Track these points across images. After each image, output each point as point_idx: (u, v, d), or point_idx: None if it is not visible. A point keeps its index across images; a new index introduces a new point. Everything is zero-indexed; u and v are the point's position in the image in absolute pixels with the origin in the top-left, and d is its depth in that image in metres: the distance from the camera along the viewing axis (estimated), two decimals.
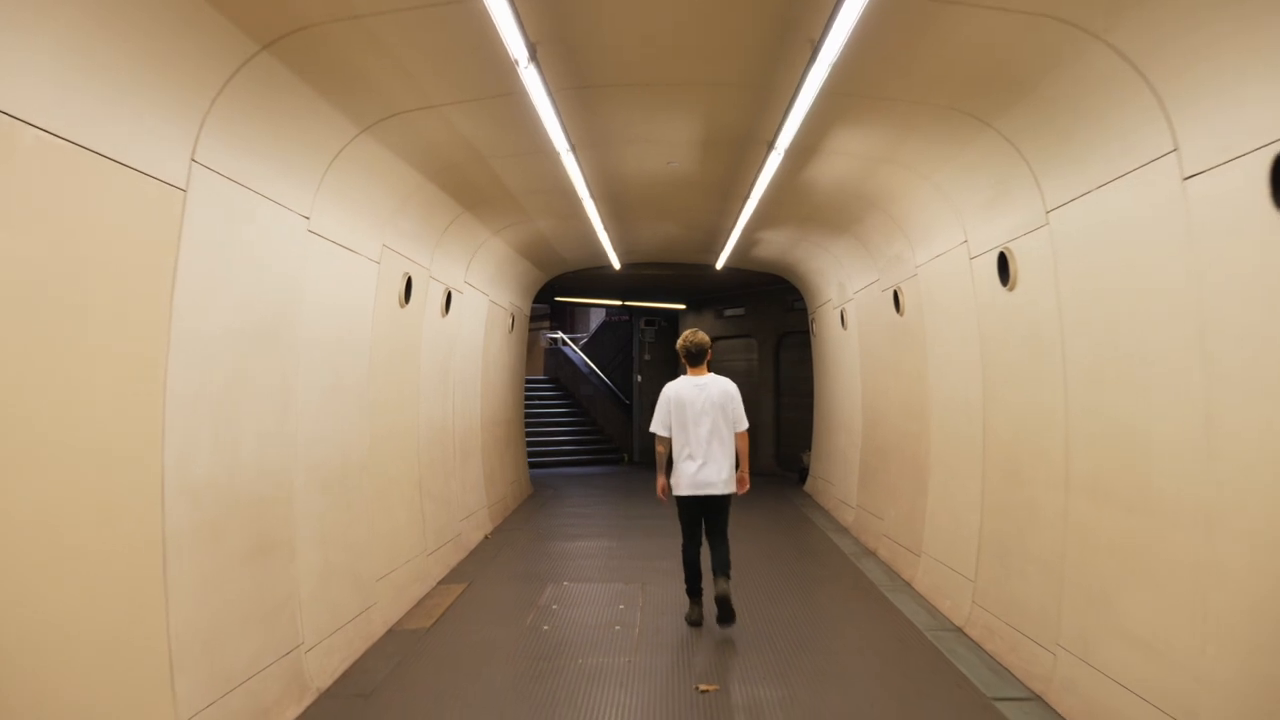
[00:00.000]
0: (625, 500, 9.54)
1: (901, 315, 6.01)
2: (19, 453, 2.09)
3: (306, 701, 3.49)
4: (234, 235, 3.06)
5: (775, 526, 7.77)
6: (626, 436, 14.02)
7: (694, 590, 4.66)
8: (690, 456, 4.44)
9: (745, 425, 4.60)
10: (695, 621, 4.59)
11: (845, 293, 7.65)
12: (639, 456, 13.43)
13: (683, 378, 4.66)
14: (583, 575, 5.84)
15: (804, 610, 4.99)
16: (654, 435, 4.62)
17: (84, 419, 2.32)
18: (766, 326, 12.01)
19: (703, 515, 4.54)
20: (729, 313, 12.62)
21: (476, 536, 6.86)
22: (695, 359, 4.66)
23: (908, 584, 5.50)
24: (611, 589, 5.41)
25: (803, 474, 10.20)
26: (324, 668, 3.74)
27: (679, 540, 4.71)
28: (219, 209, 2.92)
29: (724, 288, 11.78)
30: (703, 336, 4.71)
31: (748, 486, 4.58)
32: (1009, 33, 2.92)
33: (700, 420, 4.46)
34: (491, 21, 2.75)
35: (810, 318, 9.61)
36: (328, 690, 3.66)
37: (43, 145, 2.09)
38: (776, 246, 8.03)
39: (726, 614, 4.29)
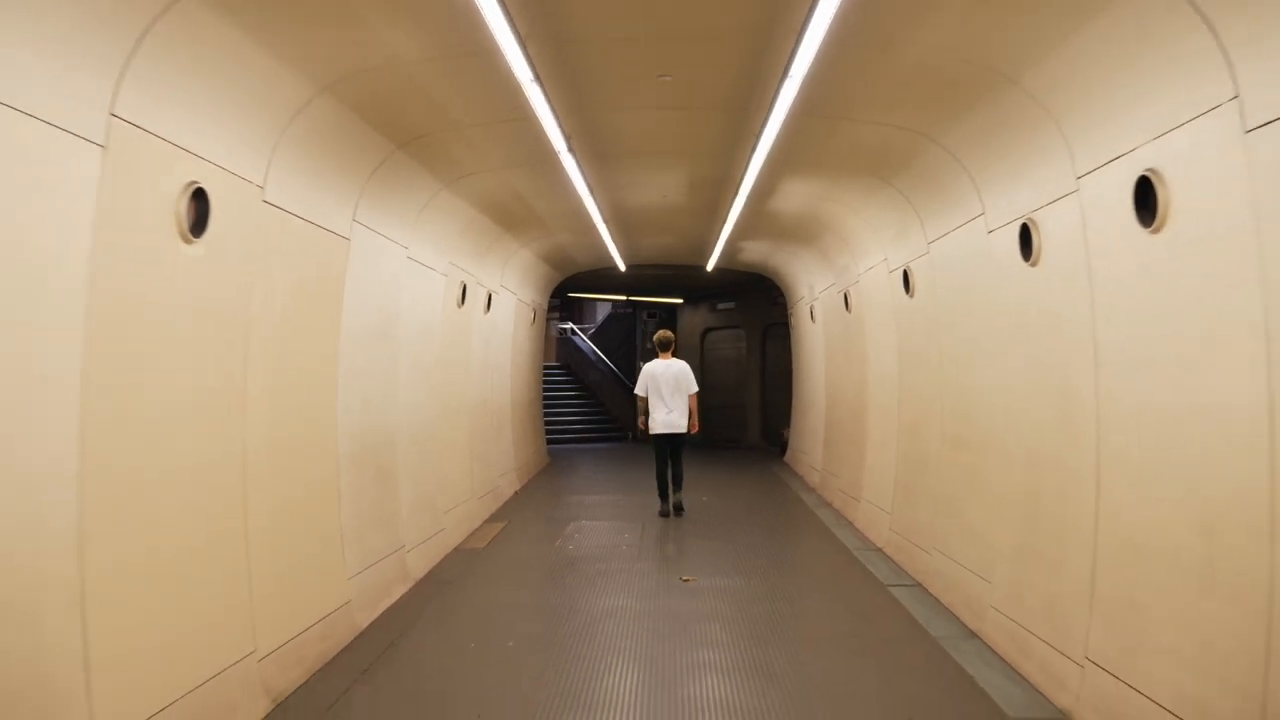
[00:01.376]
0: (628, 468, 11.08)
1: (850, 313, 7.52)
2: (287, 408, 3.64)
3: (409, 585, 5.06)
4: (369, 267, 4.59)
5: (756, 488, 9.33)
6: (630, 416, 15.55)
7: (663, 495, 7.37)
8: (663, 408, 7.18)
9: (695, 389, 7.30)
10: (664, 514, 7.26)
11: (814, 292, 9.15)
12: (641, 434, 14.96)
13: (656, 360, 7.38)
14: (595, 517, 7.40)
15: (767, 541, 6.56)
16: (637, 395, 7.28)
17: (309, 386, 3.88)
18: (753, 319, 13.53)
19: (669, 445, 7.24)
20: (721, 306, 14.14)
21: (509, 491, 8.44)
22: (664, 348, 7.42)
23: (850, 523, 7.06)
24: (618, 525, 6.97)
25: (783, 447, 11.74)
26: (417, 566, 5.31)
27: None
28: (365, 250, 4.46)
29: (717, 284, 13.27)
30: (668, 334, 7.50)
31: (698, 429, 7.35)
32: (885, 136, 4.42)
33: (666, 385, 7.18)
34: (544, 130, 4.26)
35: (789, 312, 11.11)
36: (421, 579, 5.23)
37: (308, 228, 3.62)
38: (758, 253, 9.52)
39: (679, 510, 7.28)
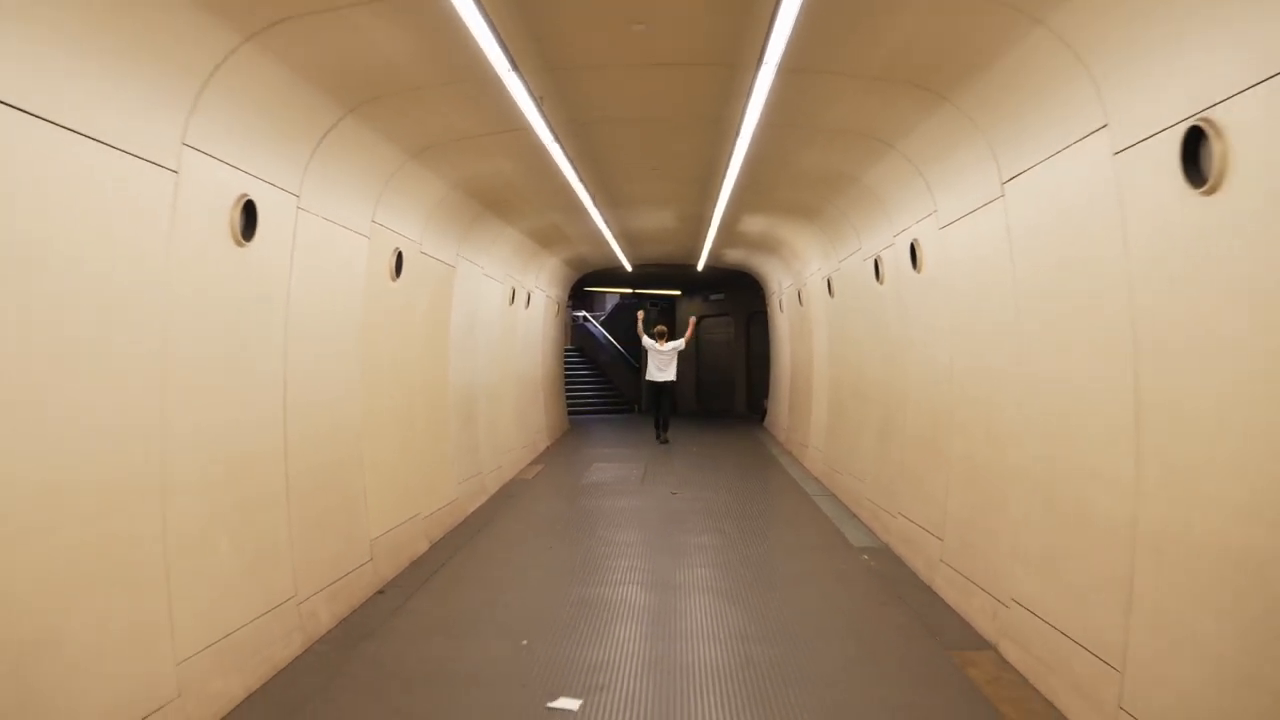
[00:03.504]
0: (634, 433, 13.48)
1: (802, 305, 9.88)
2: (428, 373, 6.05)
3: (486, 497, 7.50)
4: (464, 283, 6.97)
5: (736, 444, 11.74)
6: (635, 391, 17.93)
7: (658, 427, 11.36)
8: (658, 368, 11.09)
9: (682, 346, 11.22)
10: (662, 441, 11.02)
11: (781, 288, 11.49)
12: (645, 406, 17.37)
13: (655, 341, 11.04)
14: (609, 461, 9.82)
15: (737, 475, 8.99)
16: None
17: (437, 359, 6.29)
18: (740, 307, 15.88)
19: (661, 389, 11.11)
20: (713, 297, 16.49)
21: (542, 445, 10.88)
22: (660, 337, 11.32)
23: (800, 463, 9.48)
24: (626, 466, 9.39)
25: (763, 414, 14.14)
26: (489, 486, 7.75)
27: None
28: (463, 273, 6.85)
29: (709, 279, 15.56)
30: (663, 327, 10.70)
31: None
32: (801, 197, 6.74)
33: (662, 358, 11.22)
34: (577, 194, 6.61)
35: (767, 302, 13.45)
36: (493, 494, 7.67)
37: (436, 263, 6.01)
38: (738, 257, 11.85)
39: (665, 442, 10.81)
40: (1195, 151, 2.37)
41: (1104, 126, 2.83)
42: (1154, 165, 2.56)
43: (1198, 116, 2.32)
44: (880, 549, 5.59)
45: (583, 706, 3.20)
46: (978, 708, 3.17)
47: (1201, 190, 2.33)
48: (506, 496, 7.68)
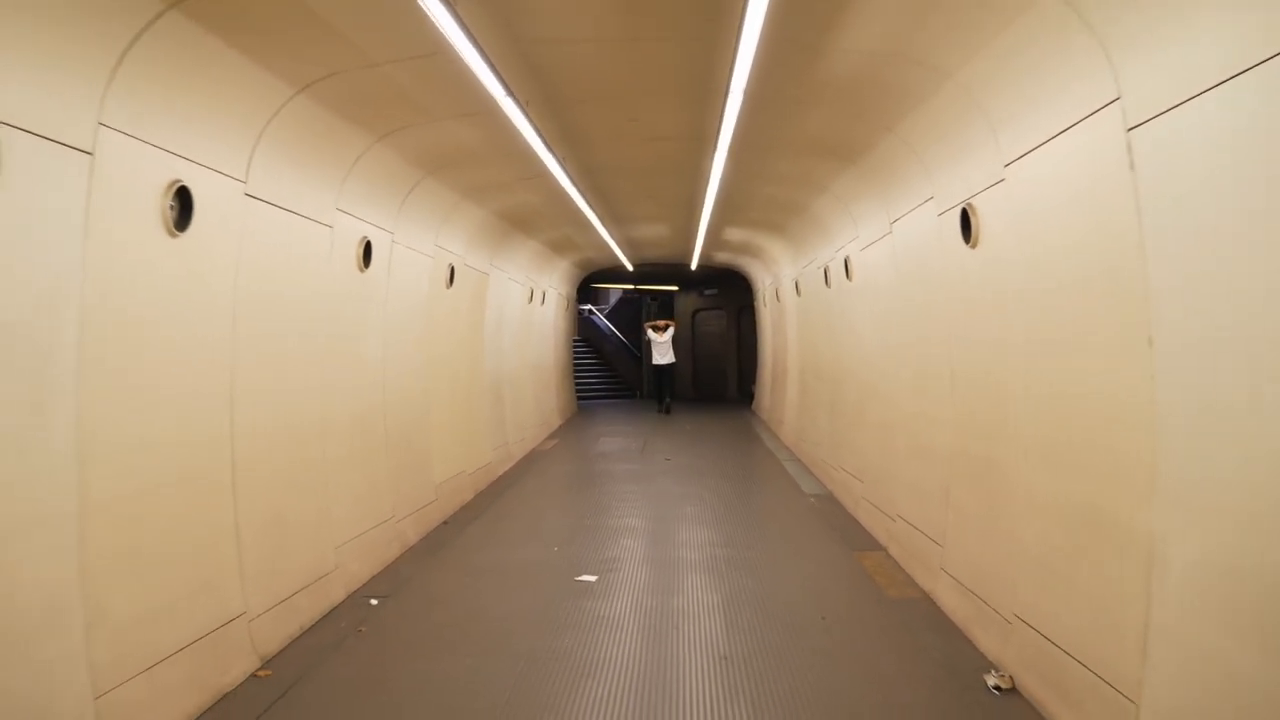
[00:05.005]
0: (636, 415, 15.11)
1: (780, 302, 11.44)
2: (470, 360, 7.65)
3: (513, 463, 9.10)
4: (495, 287, 8.54)
5: (725, 423, 13.34)
6: (637, 378, 19.55)
7: (659, 399, 14.20)
8: (660, 355, 13.55)
9: (673, 331, 13.52)
10: (665, 410, 13.86)
11: (764, 286, 13.04)
12: (646, 392, 18.97)
13: (655, 333, 12.12)
14: (613, 436, 11.42)
15: (722, 447, 10.59)
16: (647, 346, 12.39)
17: (475, 350, 7.89)
18: (732, 301, 17.43)
19: (662, 370, 13.56)
20: (707, 292, 18.04)
21: (555, 424, 12.49)
22: (659, 330, 12.98)
23: (777, 437, 11.07)
24: (628, 441, 10.99)
25: (751, 399, 15.72)
26: (515, 454, 9.36)
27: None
28: (494, 278, 8.42)
29: (704, 276, 17.10)
30: (662, 322, 12.42)
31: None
32: (768, 217, 8.28)
33: (662, 347, 13.37)
34: (585, 214, 8.17)
35: (754, 297, 15.00)
36: (519, 460, 9.29)
37: (474, 272, 7.59)
38: (726, 257, 13.39)
39: (668, 411, 13.61)
40: None
41: (931, 199, 4.38)
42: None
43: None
44: (825, 495, 7.18)
45: (599, 579, 4.80)
46: (860, 579, 4.76)
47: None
48: (529, 462, 9.28)
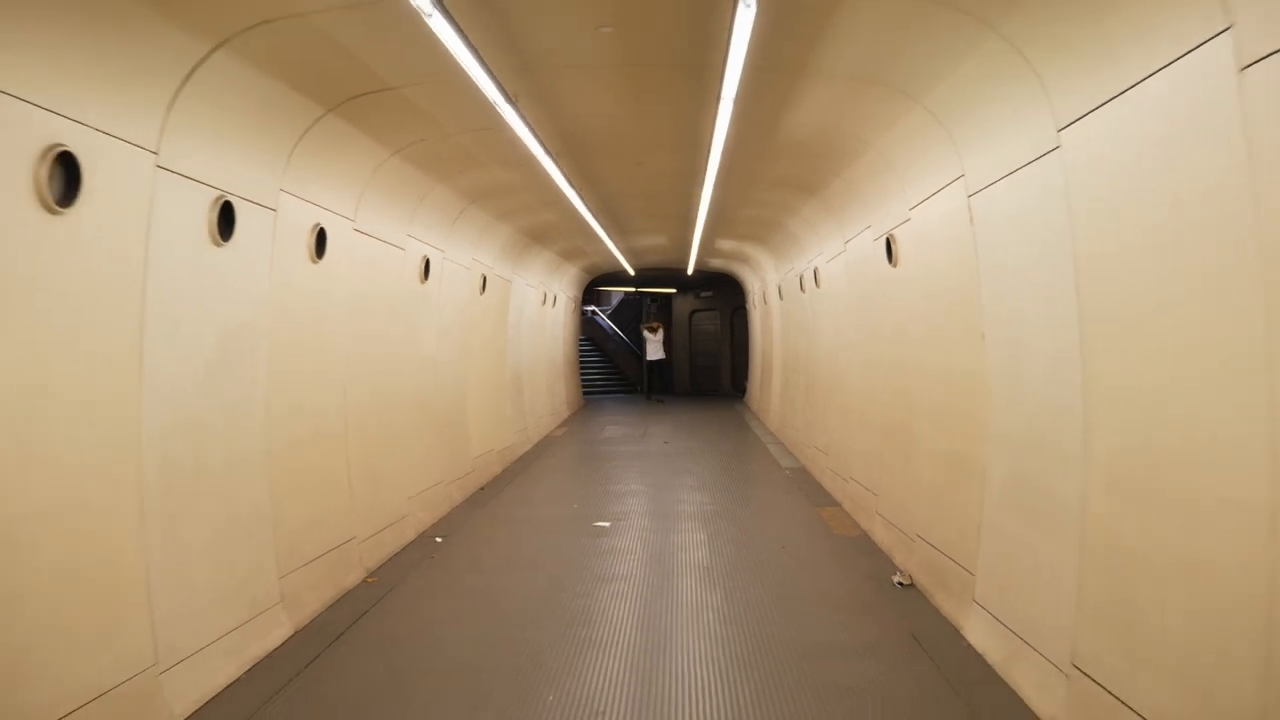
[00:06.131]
0: (637, 408, 16.40)
1: (766, 304, 12.73)
2: (495, 355, 8.95)
3: (532, 444, 10.40)
4: (516, 293, 9.83)
5: (719, 414, 14.64)
6: (638, 374, 20.84)
7: (651, 389, 14.90)
8: (653, 351, 14.58)
9: (662, 334, 14.67)
10: (657, 400, 15.07)
11: (754, 289, 14.33)
12: (646, 388, 20.26)
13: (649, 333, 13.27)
14: (617, 424, 12.72)
15: (717, 435, 11.89)
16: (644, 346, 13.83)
17: (498, 348, 9.19)
18: (726, 303, 18.72)
19: (653, 368, 15.08)
20: (703, 294, 19.34)
21: (565, 414, 13.79)
22: (653, 331, 14.12)
23: (763, 424, 12.37)
24: (630, 428, 12.29)
25: (743, 392, 17.02)
26: (532, 437, 10.66)
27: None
28: (515, 286, 9.72)
29: (700, 279, 18.39)
30: (656, 324, 13.78)
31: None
32: (753, 232, 9.57)
33: (655, 345, 14.78)
34: (594, 228, 9.46)
35: (745, 300, 16.30)
36: (536, 442, 10.59)
37: (501, 280, 8.89)
38: (720, 263, 14.69)
39: (661, 400, 14.14)
40: None
41: (869, 227, 5.67)
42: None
43: None
44: (799, 468, 8.48)
45: (611, 525, 6.09)
46: (817, 524, 6.05)
47: None
48: (544, 445, 10.58)
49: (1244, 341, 2.02)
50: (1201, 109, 2.12)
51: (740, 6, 2.71)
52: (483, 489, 7.59)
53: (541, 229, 9.05)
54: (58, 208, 2.56)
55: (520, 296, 10.13)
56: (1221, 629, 2.11)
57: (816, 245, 7.76)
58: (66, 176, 2.62)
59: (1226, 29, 2.00)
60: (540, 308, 11.78)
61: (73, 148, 2.60)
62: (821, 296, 7.96)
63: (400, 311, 5.83)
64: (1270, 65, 1.89)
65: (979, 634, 3.64)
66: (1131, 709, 2.47)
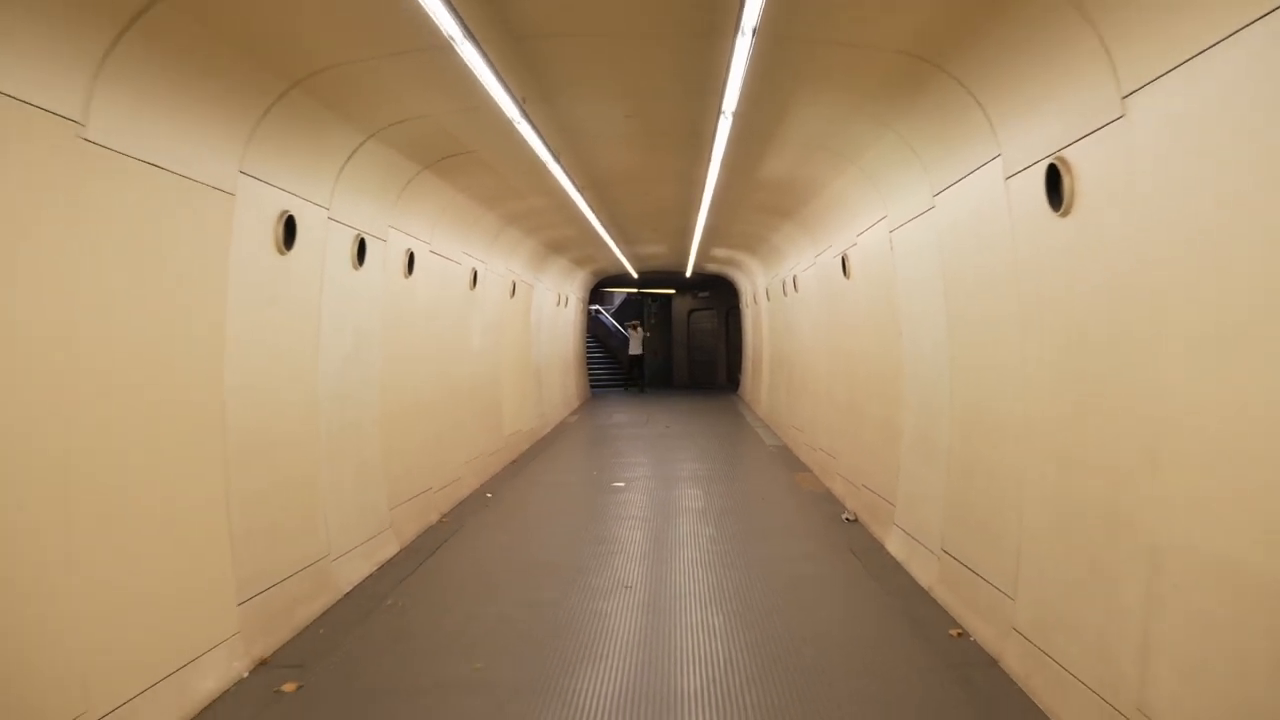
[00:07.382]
0: (640, 400, 17.88)
1: (757, 304, 14.19)
2: (520, 352, 10.41)
3: (549, 429, 11.86)
4: (536, 295, 11.28)
5: (713, 404, 16.11)
6: (641, 370, 22.28)
7: (631, 381, 16.58)
8: (633, 347, 16.92)
9: (644, 334, 16.17)
10: (640, 390, 16.72)
11: (746, 291, 15.79)
12: (647, 383, 21.71)
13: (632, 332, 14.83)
14: (623, 412, 14.18)
15: (712, 421, 13.37)
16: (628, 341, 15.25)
17: (523, 345, 10.65)
18: (722, 303, 20.19)
19: (634, 361, 17.62)
20: (701, 295, 20.81)
21: (575, 404, 15.26)
22: (634, 330, 14.81)
23: (754, 412, 13.85)
24: (635, 416, 13.76)
25: (737, 385, 18.49)
26: (549, 423, 12.12)
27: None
28: (536, 288, 11.18)
29: (698, 281, 19.85)
30: (636, 323, 16.04)
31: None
32: (747, 244, 11.03)
33: (636, 342, 16.09)
34: (604, 237, 10.91)
35: (739, 300, 17.75)
36: (553, 428, 12.05)
37: (525, 285, 10.34)
38: (715, 267, 16.14)
39: (642, 390, 16.58)
40: None
41: (830, 246, 7.15)
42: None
43: None
44: (781, 446, 9.96)
45: (625, 485, 7.56)
46: (790, 484, 7.52)
47: None
48: (560, 429, 12.04)
49: (1014, 330, 3.49)
50: (988, 205, 3.59)
51: (721, 119, 4.17)
52: (514, 462, 9.05)
53: (560, 241, 10.50)
54: (285, 249, 4.02)
55: (540, 299, 11.59)
56: (1001, 507, 3.58)
57: (795, 257, 9.22)
58: (286, 231, 4.08)
59: (996, 157, 3.46)
60: (555, 309, 13.23)
61: (294, 212, 4.05)
62: (800, 299, 9.42)
63: (458, 314, 7.29)
64: (1026, 178, 3.35)
65: (894, 545, 5.11)
66: (967, 567, 3.94)
